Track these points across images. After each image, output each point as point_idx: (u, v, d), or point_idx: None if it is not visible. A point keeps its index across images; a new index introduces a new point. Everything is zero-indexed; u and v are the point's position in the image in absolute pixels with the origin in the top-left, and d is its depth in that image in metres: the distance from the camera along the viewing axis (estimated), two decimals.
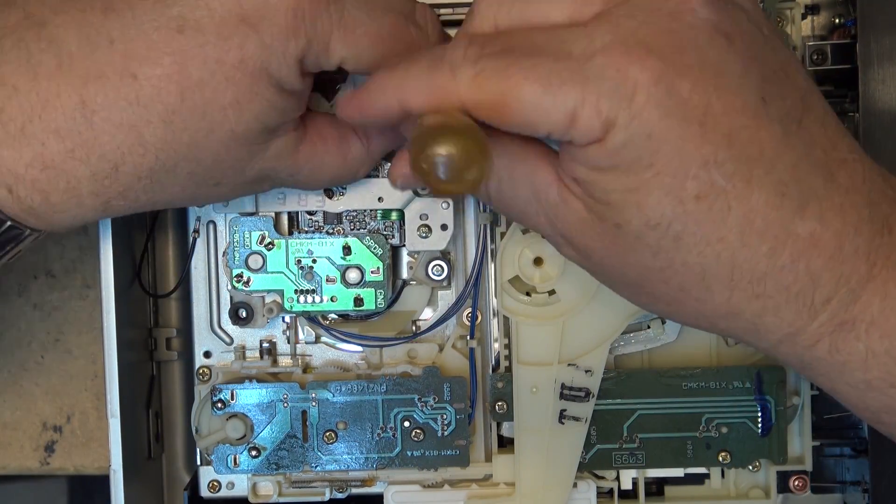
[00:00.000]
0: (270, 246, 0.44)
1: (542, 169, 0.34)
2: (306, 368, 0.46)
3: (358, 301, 0.44)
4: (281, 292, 0.44)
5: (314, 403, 0.45)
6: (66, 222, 0.35)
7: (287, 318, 0.46)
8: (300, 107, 0.37)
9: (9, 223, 0.35)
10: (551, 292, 0.44)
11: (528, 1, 0.33)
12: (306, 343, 0.47)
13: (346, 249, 0.44)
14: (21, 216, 0.35)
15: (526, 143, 0.35)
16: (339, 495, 0.46)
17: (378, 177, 0.44)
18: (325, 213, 0.45)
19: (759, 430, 0.45)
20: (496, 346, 0.46)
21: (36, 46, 0.34)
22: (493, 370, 0.46)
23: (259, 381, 0.45)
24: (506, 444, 0.46)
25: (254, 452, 0.45)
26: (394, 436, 0.45)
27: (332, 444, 0.45)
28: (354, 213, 0.45)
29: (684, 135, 0.31)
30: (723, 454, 0.45)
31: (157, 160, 0.35)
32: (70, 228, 0.37)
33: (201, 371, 0.46)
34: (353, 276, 0.44)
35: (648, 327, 0.45)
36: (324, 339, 0.47)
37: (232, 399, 0.45)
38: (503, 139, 0.34)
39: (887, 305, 0.33)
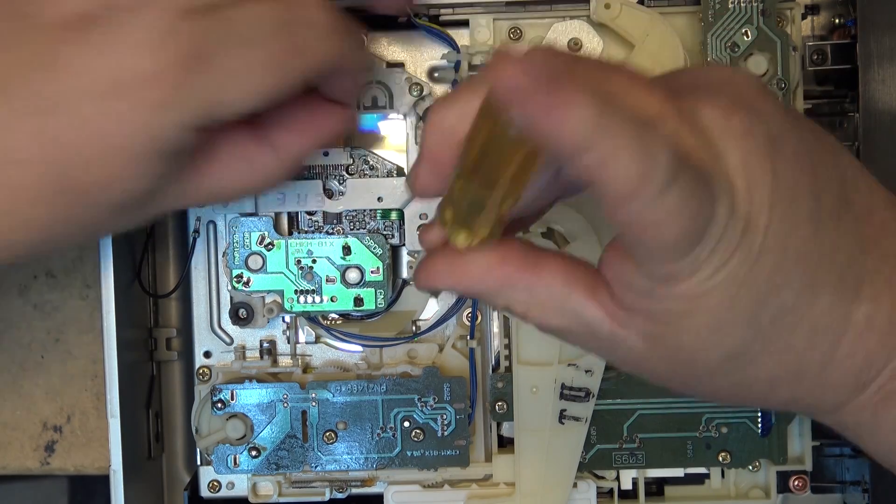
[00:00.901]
0: (270, 246, 0.44)
1: (592, 306, 0.32)
2: (306, 368, 0.46)
3: (358, 301, 0.44)
4: (281, 292, 0.44)
5: (314, 403, 0.45)
6: None
7: (287, 319, 0.46)
8: (195, 154, 0.35)
9: None
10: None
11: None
12: (306, 343, 0.47)
13: (346, 249, 0.44)
14: None
15: (571, 276, 0.32)
16: (339, 495, 0.46)
17: (377, 177, 0.44)
18: (324, 213, 0.45)
19: (759, 430, 0.45)
20: (496, 346, 0.46)
21: None
22: (493, 370, 0.46)
23: (259, 381, 0.45)
24: (506, 444, 0.46)
25: (254, 452, 0.45)
26: (394, 436, 0.45)
27: (332, 444, 0.45)
28: (354, 213, 0.45)
29: (768, 266, 0.30)
30: (723, 454, 0.45)
31: (41, 235, 0.34)
32: None
33: (201, 371, 0.46)
34: (353, 276, 0.44)
35: None
36: (324, 339, 0.47)
37: (232, 399, 0.45)
38: (551, 264, 0.32)
39: None
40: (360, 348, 0.46)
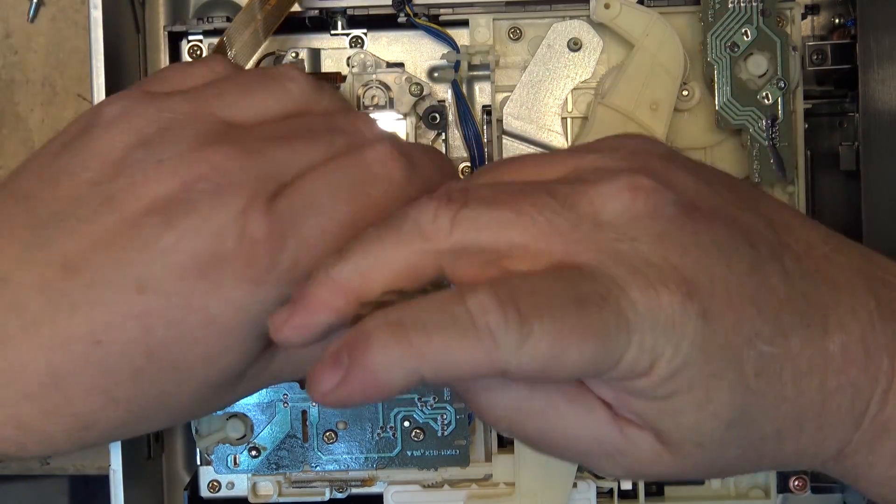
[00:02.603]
0: None
1: (599, 407, 0.31)
2: None
3: None
4: None
5: (314, 403, 0.45)
6: (39, 456, 0.35)
7: None
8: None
9: None
10: None
11: (481, 233, 0.30)
12: None
13: None
14: None
15: (570, 387, 0.32)
16: (339, 495, 0.46)
17: None
18: None
19: None
20: None
21: (0, 307, 0.32)
22: None
23: None
24: (506, 444, 0.46)
25: (254, 452, 0.45)
26: (394, 436, 0.45)
27: (332, 444, 0.45)
28: None
29: (726, 327, 0.30)
30: None
31: (128, 413, 0.33)
32: None
33: None
34: None
35: None
36: None
37: None
38: (546, 387, 0.31)
39: None
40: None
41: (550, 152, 0.33)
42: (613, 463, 0.32)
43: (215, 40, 0.46)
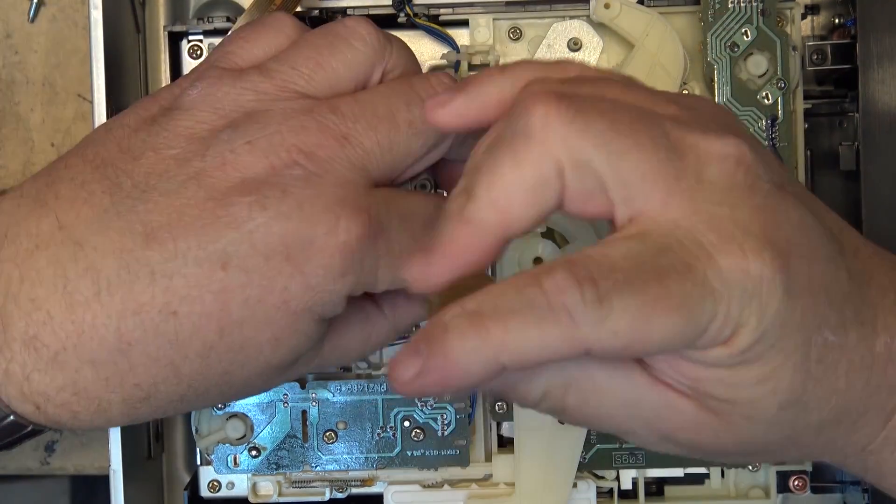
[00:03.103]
0: None
1: (637, 373, 0.31)
2: None
3: None
4: None
5: (314, 403, 0.45)
6: (88, 430, 0.35)
7: None
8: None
9: (31, 427, 0.34)
10: None
11: (598, 151, 0.29)
12: None
13: None
14: (47, 425, 0.34)
15: None
16: (339, 495, 0.47)
17: None
18: None
19: None
20: None
21: (73, 269, 0.32)
22: None
23: None
24: (506, 444, 0.46)
25: (254, 452, 0.45)
26: (394, 435, 0.45)
27: (332, 443, 0.45)
28: None
29: (805, 309, 0.30)
30: None
31: (189, 388, 0.34)
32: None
33: None
34: None
35: None
36: None
37: None
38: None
39: None
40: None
41: (643, 86, 0.33)
42: (650, 429, 0.32)
43: (215, 40, 0.46)
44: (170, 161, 0.33)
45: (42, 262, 0.33)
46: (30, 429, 0.34)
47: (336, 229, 0.33)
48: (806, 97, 0.45)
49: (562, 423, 0.44)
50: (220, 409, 0.45)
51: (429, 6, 0.45)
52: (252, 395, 0.39)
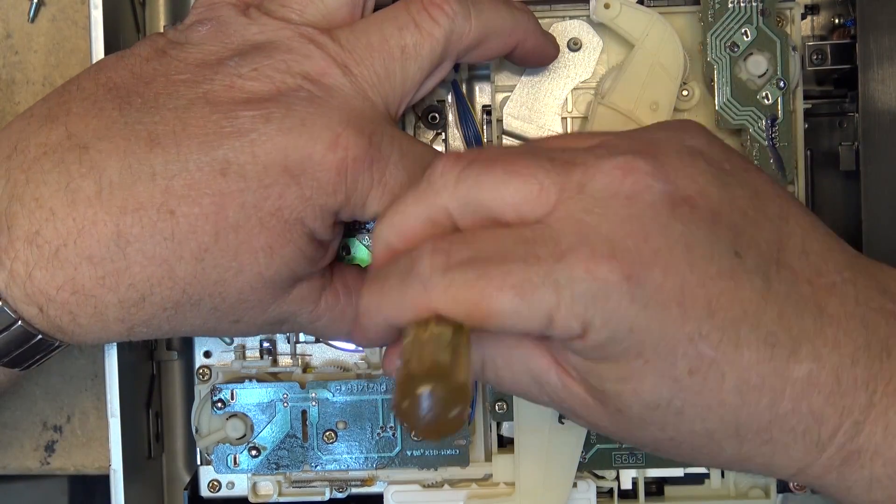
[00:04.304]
0: None
1: (539, 355, 0.34)
2: (306, 368, 0.46)
3: None
4: None
5: (314, 403, 0.45)
6: (90, 341, 0.36)
7: None
8: (329, 256, 0.38)
9: (39, 337, 0.35)
10: None
11: (481, 189, 0.32)
12: (306, 343, 0.47)
13: (346, 249, 0.44)
14: (50, 332, 0.35)
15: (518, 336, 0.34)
16: (339, 495, 0.47)
17: None
18: None
19: None
20: None
21: (76, 170, 0.34)
22: None
23: (259, 380, 0.45)
24: (506, 444, 0.46)
25: (254, 452, 0.45)
26: (394, 435, 0.45)
27: (331, 443, 0.45)
28: None
29: (665, 320, 0.31)
30: None
31: (183, 294, 0.35)
32: (95, 345, 0.39)
33: (201, 371, 0.46)
34: None
35: None
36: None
37: (232, 399, 0.45)
38: (500, 337, 0.34)
39: (889, 433, 0.32)
40: (360, 348, 0.46)
41: (588, 132, 0.36)
42: (557, 405, 0.35)
43: None
44: (179, 84, 0.35)
45: (48, 164, 0.34)
46: (38, 338, 0.35)
47: (335, 146, 0.34)
48: (806, 97, 0.45)
49: (562, 423, 0.44)
50: (219, 408, 0.45)
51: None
52: (246, 328, 0.38)
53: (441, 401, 0.30)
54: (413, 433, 0.34)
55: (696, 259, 0.31)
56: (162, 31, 0.48)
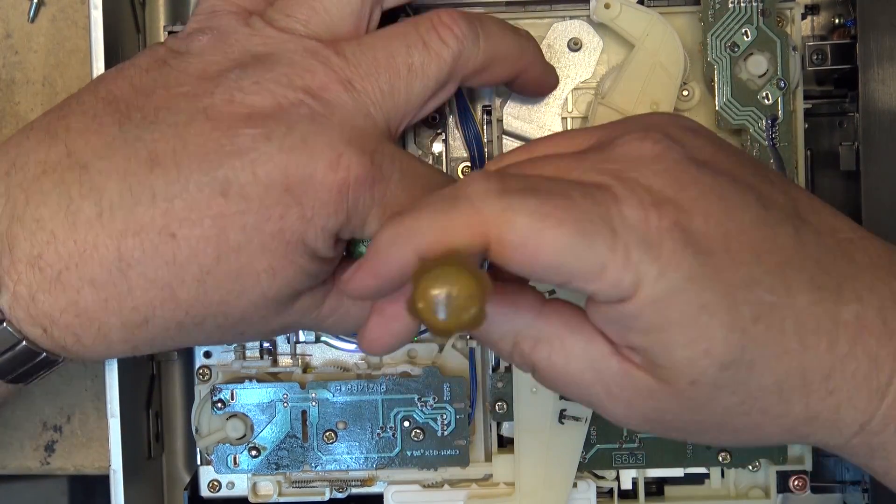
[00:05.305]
0: None
1: (600, 341, 0.32)
2: (306, 368, 0.46)
3: None
4: None
5: (314, 403, 0.45)
6: (94, 359, 0.36)
7: None
8: (330, 270, 0.37)
9: (44, 355, 0.35)
10: (551, 292, 0.44)
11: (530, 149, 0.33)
12: (306, 343, 0.47)
13: (346, 249, 0.44)
14: (54, 350, 0.35)
15: (579, 311, 0.33)
16: (339, 495, 0.47)
17: None
18: None
19: None
20: None
21: (77, 191, 0.33)
22: (493, 370, 0.46)
23: (259, 380, 0.45)
24: (506, 444, 0.46)
25: (254, 452, 0.45)
26: (394, 435, 0.45)
27: (332, 443, 0.45)
28: None
29: (719, 266, 0.30)
30: (722, 454, 0.45)
31: (186, 315, 0.35)
32: (100, 361, 0.38)
33: (201, 371, 0.46)
34: None
35: None
36: (324, 338, 0.47)
37: (232, 399, 0.45)
38: (556, 305, 0.33)
39: None
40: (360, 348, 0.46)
41: (579, 129, 0.36)
42: (611, 397, 0.33)
43: None
44: (179, 97, 0.34)
45: (48, 184, 0.34)
46: (43, 356, 0.35)
47: (337, 166, 0.34)
48: (806, 97, 0.45)
49: (562, 423, 0.44)
50: (219, 409, 0.45)
51: (429, 6, 0.45)
52: (251, 337, 0.39)
53: (456, 301, 0.29)
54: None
55: (732, 208, 0.31)
56: (161, 30, 0.48)
